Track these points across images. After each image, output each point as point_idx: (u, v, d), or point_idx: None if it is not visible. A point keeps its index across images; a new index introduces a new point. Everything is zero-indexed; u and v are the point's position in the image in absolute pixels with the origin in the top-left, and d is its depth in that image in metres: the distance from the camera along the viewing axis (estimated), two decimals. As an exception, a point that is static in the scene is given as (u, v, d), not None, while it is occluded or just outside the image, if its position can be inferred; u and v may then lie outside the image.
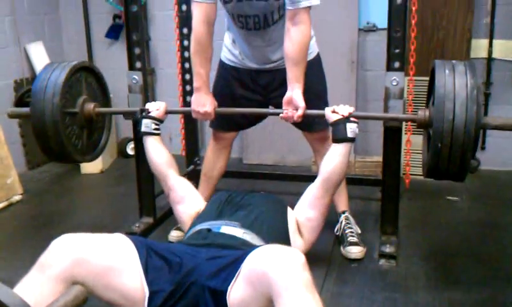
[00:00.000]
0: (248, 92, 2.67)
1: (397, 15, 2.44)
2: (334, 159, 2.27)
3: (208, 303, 1.72)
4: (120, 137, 4.55)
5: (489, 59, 3.69)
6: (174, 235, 2.76)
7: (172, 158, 2.52)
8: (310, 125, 2.58)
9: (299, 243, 2.26)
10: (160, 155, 2.49)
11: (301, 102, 2.35)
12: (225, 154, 2.88)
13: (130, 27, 2.76)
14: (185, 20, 3.36)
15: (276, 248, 1.64)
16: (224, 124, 2.76)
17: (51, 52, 4.29)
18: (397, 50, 2.46)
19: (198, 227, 2.13)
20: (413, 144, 3.25)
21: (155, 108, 2.55)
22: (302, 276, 1.51)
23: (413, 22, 2.92)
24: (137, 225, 2.85)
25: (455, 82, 2.05)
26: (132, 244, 1.83)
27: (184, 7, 3.34)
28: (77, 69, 2.60)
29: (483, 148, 3.85)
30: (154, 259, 1.82)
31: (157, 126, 2.53)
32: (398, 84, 2.44)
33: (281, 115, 2.41)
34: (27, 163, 4.14)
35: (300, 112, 2.35)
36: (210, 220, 2.13)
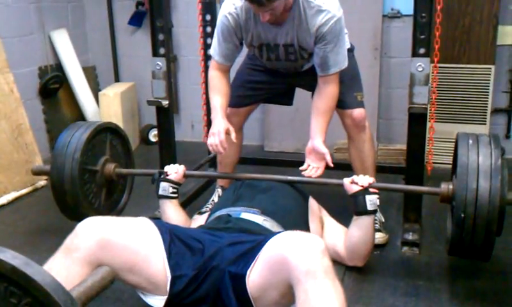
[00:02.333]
0: (274, 76, 2.69)
1: (423, 0, 2.40)
2: (356, 232, 2.23)
3: (228, 287, 1.74)
4: (143, 124, 4.58)
5: (516, 46, 3.63)
6: (196, 217, 2.77)
7: (187, 218, 2.45)
8: (343, 101, 2.56)
9: (318, 232, 2.27)
10: (175, 220, 2.38)
11: (323, 149, 2.39)
12: (237, 139, 2.84)
13: (154, 13, 2.76)
14: (208, 6, 3.36)
15: (297, 234, 1.65)
16: (239, 99, 2.73)
17: (75, 39, 4.33)
18: (423, 36, 2.42)
19: (218, 213, 2.15)
20: (436, 131, 3.22)
21: (174, 171, 2.45)
22: (322, 262, 1.52)
23: (439, 7, 2.88)
24: (159, 210, 2.86)
25: (478, 159, 1.96)
26: (156, 228, 1.86)
27: (207, -6, 3.33)
28: (103, 129, 2.62)
29: (508, 137, 3.79)
30: (177, 244, 1.84)
31: (174, 190, 2.42)
32: (423, 70, 2.42)
33: (304, 173, 2.44)
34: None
35: (328, 157, 2.38)
36: (228, 207, 2.15)
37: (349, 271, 2.33)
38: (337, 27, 2.29)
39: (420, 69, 2.41)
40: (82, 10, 4.59)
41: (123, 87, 4.36)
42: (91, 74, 4.58)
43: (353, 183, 2.22)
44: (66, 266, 1.70)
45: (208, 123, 3.56)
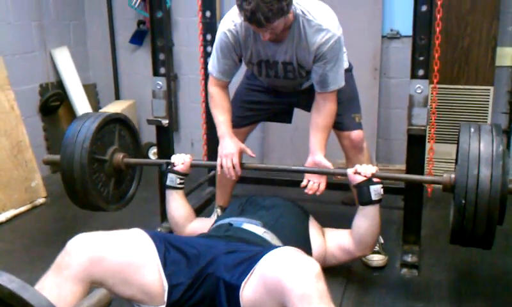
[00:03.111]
0: (273, 96, 2.71)
1: (422, 22, 2.42)
2: (363, 222, 2.27)
3: (221, 295, 1.74)
4: (143, 142, 4.58)
5: (515, 68, 3.65)
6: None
7: (191, 211, 2.55)
8: (341, 123, 2.58)
9: (320, 242, 2.30)
10: (180, 210, 2.52)
11: (326, 162, 2.39)
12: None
13: (155, 32, 2.78)
14: (209, 26, 3.38)
15: (293, 254, 1.64)
16: (237, 120, 2.71)
17: (76, 57, 4.36)
18: (422, 58, 2.44)
19: (220, 222, 2.17)
20: (436, 152, 3.22)
21: (180, 161, 2.52)
22: (317, 286, 1.52)
23: (438, 29, 2.89)
24: (158, 229, 2.87)
25: (480, 147, 1.96)
26: (150, 238, 1.85)
27: (208, 14, 3.35)
28: (112, 119, 2.65)
29: (508, 147, 3.79)
30: (172, 253, 1.83)
31: (181, 181, 2.52)
32: (422, 92, 2.43)
33: (306, 191, 2.42)
34: (51, 166, 4.19)
35: (324, 181, 2.40)
36: (232, 217, 2.16)
37: (348, 293, 2.32)
38: (337, 46, 2.30)
39: (419, 91, 2.43)
40: (84, 28, 4.62)
41: (123, 105, 4.37)
42: (91, 91, 4.60)
43: (356, 174, 2.24)
44: (58, 284, 1.69)
45: (208, 142, 3.57)
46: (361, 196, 2.23)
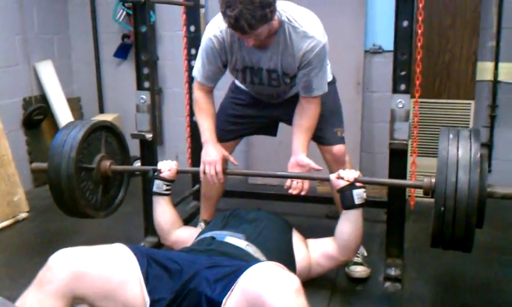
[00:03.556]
0: (258, 109, 2.72)
1: (403, 37, 2.45)
2: (346, 227, 2.29)
3: None
4: (127, 156, 4.57)
5: (495, 82, 3.71)
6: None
7: (177, 216, 2.59)
8: (323, 138, 2.60)
9: (304, 254, 2.31)
10: (166, 217, 2.56)
11: (307, 160, 2.41)
12: None
13: (139, 47, 2.78)
14: (193, 40, 3.39)
15: (273, 270, 1.65)
16: (221, 134, 2.69)
17: (60, 71, 4.35)
18: (403, 73, 2.47)
19: (202, 236, 2.17)
20: (418, 166, 3.25)
21: (167, 168, 2.56)
22: (297, 302, 1.54)
23: (419, 44, 2.94)
24: (142, 244, 2.86)
25: (458, 153, 2.00)
26: (132, 253, 1.84)
27: (192, 28, 3.37)
28: (98, 127, 2.66)
29: (489, 171, 3.84)
30: (154, 268, 1.83)
31: (167, 187, 2.56)
32: (404, 107, 2.45)
33: (290, 191, 2.42)
34: (34, 180, 4.16)
35: (314, 165, 2.40)
36: (215, 230, 2.17)
37: (331, 306, 2.32)
38: (322, 53, 2.32)
39: (400, 105, 2.45)
40: (68, 42, 4.61)
41: (107, 118, 4.33)
42: (75, 105, 4.58)
43: (339, 179, 2.26)
44: (40, 300, 1.67)
45: (193, 155, 3.57)
46: (344, 200, 2.26)
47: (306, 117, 2.45)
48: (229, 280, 1.70)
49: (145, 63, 2.79)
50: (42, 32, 4.26)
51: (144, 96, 2.80)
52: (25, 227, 3.41)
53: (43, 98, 4.22)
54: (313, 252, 2.36)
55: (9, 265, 2.84)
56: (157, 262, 1.84)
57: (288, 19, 2.28)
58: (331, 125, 2.58)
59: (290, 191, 2.41)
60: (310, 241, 2.40)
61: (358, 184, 2.25)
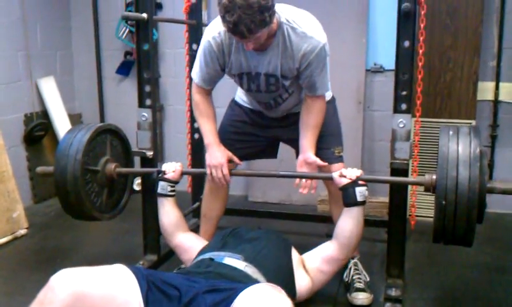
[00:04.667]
0: (258, 129, 2.71)
1: (404, 57, 2.45)
2: (348, 224, 2.31)
3: None
4: (127, 172, 4.56)
5: (496, 102, 3.72)
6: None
7: (182, 219, 2.61)
8: (321, 157, 2.57)
9: (306, 281, 2.28)
10: (171, 218, 2.57)
11: (314, 157, 2.44)
12: (223, 193, 2.84)
13: (142, 64, 2.79)
14: (195, 58, 3.38)
15: (265, 292, 1.64)
16: None
17: (62, 87, 4.36)
18: (404, 93, 2.47)
19: (201, 257, 2.16)
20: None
21: (171, 170, 2.58)
22: None
23: (420, 64, 2.94)
24: (141, 262, 2.84)
25: (458, 149, 2.04)
26: (133, 275, 1.83)
27: (195, 46, 3.37)
28: (103, 130, 2.70)
29: (490, 191, 3.82)
30: (154, 292, 1.82)
31: (172, 189, 2.58)
32: (405, 126, 2.45)
33: (300, 190, 2.47)
34: (34, 196, 4.15)
35: (320, 162, 2.45)
36: (214, 251, 2.16)
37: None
38: (323, 53, 2.31)
39: (401, 125, 2.45)
40: (71, 58, 4.64)
41: (108, 135, 4.35)
42: (77, 121, 4.59)
43: (342, 177, 2.30)
44: (40, 321, 1.66)
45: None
46: (346, 197, 2.30)
47: (312, 114, 2.45)
48: (225, 304, 1.70)
49: (147, 81, 2.80)
50: (45, 48, 4.28)
51: (145, 114, 2.80)
52: (24, 244, 3.40)
53: (44, 114, 4.22)
54: (313, 262, 2.35)
55: (7, 282, 2.82)
56: (156, 286, 1.83)
57: (287, 20, 2.27)
58: (330, 144, 2.57)
59: (300, 190, 2.46)
60: (306, 255, 2.39)
61: (360, 182, 2.29)
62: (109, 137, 2.75)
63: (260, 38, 2.16)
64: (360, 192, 2.28)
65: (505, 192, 2.09)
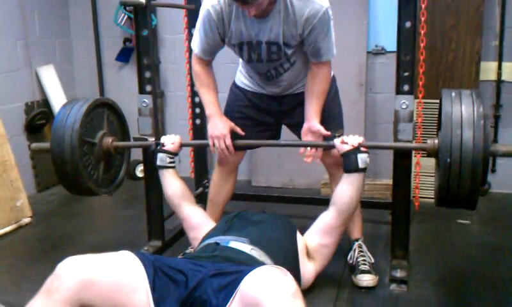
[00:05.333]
0: (261, 114, 2.69)
1: (406, 38, 2.44)
2: (348, 190, 2.31)
3: None
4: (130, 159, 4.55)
5: (499, 82, 3.69)
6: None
7: (187, 189, 2.58)
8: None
9: (309, 266, 2.28)
10: (174, 188, 2.56)
11: (318, 126, 2.43)
12: (232, 179, 2.85)
13: (141, 51, 2.77)
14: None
15: (270, 274, 1.64)
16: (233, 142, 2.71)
17: (62, 75, 4.34)
18: (406, 74, 2.45)
19: (207, 241, 2.16)
20: (422, 166, 3.23)
21: (170, 142, 2.59)
22: (294, 305, 1.53)
23: (422, 45, 2.93)
24: (145, 248, 2.84)
25: (462, 109, 2.07)
26: (139, 261, 1.83)
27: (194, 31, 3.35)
28: (100, 103, 2.71)
29: (493, 171, 3.82)
30: (161, 277, 1.82)
31: (171, 160, 2.58)
32: (407, 108, 2.44)
33: (305, 159, 2.48)
34: (37, 185, 4.15)
35: (323, 131, 2.43)
36: (219, 235, 2.16)
37: (336, 309, 2.31)
38: (326, 18, 2.28)
39: (404, 106, 2.44)
40: (70, 46, 4.61)
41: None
42: (78, 109, 4.57)
43: (344, 143, 2.32)
44: (47, 308, 1.67)
45: (195, 158, 3.57)
46: (348, 163, 2.31)
47: (317, 81, 2.43)
48: (231, 288, 1.70)
49: (147, 67, 2.78)
50: (44, 36, 4.26)
51: (146, 100, 2.79)
52: (28, 232, 3.41)
53: (45, 102, 4.21)
54: (314, 238, 2.33)
55: (12, 271, 2.83)
56: (162, 271, 1.83)
57: None
58: (330, 127, 2.51)
59: (304, 159, 2.47)
60: (306, 234, 2.37)
61: (362, 149, 2.31)
62: (106, 112, 2.76)
63: (262, 3, 2.14)
64: (362, 158, 2.29)
65: (507, 153, 2.13)
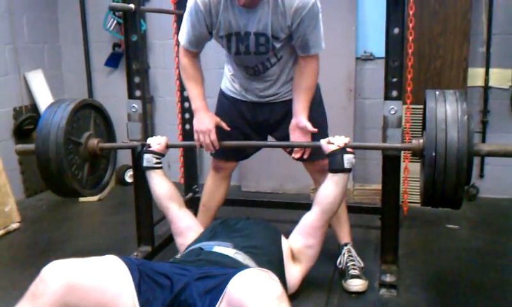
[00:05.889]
0: (246, 126, 2.67)
1: (394, 44, 2.45)
2: (332, 190, 2.31)
3: None
4: (118, 165, 4.54)
5: (486, 88, 3.73)
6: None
7: (175, 190, 2.58)
8: (310, 155, 2.58)
9: (294, 271, 2.29)
10: (161, 188, 2.56)
11: (306, 123, 2.44)
12: (225, 184, 2.86)
13: (130, 56, 2.77)
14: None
15: (255, 277, 1.65)
16: (227, 153, 2.72)
17: (51, 80, 4.33)
18: (395, 79, 2.47)
19: (191, 247, 2.16)
20: (411, 171, 3.25)
21: (156, 142, 2.59)
22: None
23: (410, 51, 2.95)
24: (135, 254, 2.82)
25: (446, 109, 2.10)
26: (125, 265, 1.82)
27: (184, 37, 3.35)
28: (87, 104, 2.73)
29: (481, 176, 3.85)
30: (146, 281, 1.82)
31: (158, 161, 2.58)
32: (396, 113, 2.45)
33: (293, 155, 2.50)
34: (25, 190, 4.13)
35: (310, 128, 2.44)
36: (203, 241, 2.16)
37: (326, 314, 2.31)
38: (315, 10, 2.28)
39: (392, 112, 2.45)
40: (59, 51, 4.60)
41: (99, 127, 4.33)
42: (66, 115, 4.55)
43: (330, 144, 2.34)
44: (32, 313, 1.65)
45: (185, 164, 3.56)
46: (333, 163, 2.32)
47: (305, 76, 2.43)
48: (217, 291, 1.70)
49: (136, 72, 2.78)
50: (32, 41, 4.25)
51: (135, 105, 2.78)
52: (16, 238, 3.38)
53: (33, 107, 4.19)
54: (298, 241, 2.33)
55: (0, 276, 2.80)
56: (148, 276, 1.83)
57: None
58: (315, 138, 2.50)
59: (292, 155, 2.50)
60: (290, 238, 2.37)
61: (348, 150, 2.32)
62: (93, 114, 2.77)
63: None
64: (348, 159, 2.30)
65: (490, 153, 2.16)
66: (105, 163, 2.88)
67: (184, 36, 2.45)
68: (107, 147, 2.79)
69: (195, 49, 2.48)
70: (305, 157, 2.51)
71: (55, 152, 2.48)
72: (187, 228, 2.47)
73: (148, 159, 2.57)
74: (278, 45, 2.37)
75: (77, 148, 2.63)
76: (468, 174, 2.07)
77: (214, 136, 2.48)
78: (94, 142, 2.69)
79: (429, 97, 2.19)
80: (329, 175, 2.33)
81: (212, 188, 2.86)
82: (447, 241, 3.15)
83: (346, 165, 2.30)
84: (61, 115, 2.52)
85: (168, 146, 2.63)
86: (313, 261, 2.35)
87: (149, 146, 2.59)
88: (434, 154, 2.04)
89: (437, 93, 2.19)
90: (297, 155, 2.50)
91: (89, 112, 2.74)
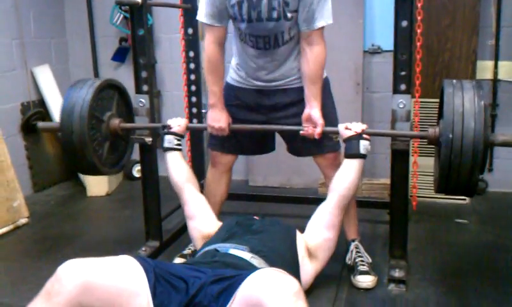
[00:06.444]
0: (252, 113, 2.66)
1: (402, 38, 2.44)
2: (348, 175, 2.34)
3: None
4: (126, 160, 4.55)
5: (495, 81, 3.70)
6: (178, 261, 2.71)
7: (192, 174, 2.63)
8: (321, 147, 2.57)
9: (308, 267, 2.28)
10: (179, 169, 2.59)
11: (319, 119, 2.42)
12: (226, 179, 2.84)
13: (137, 50, 2.76)
14: (191, 43, 3.37)
15: (272, 274, 1.64)
16: (225, 144, 2.70)
17: (58, 75, 4.32)
18: (403, 73, 2.46)
19: (207, 248, 2.15)
20: (419, 166, 3.23)
21: (177, 124, 2.63)
22: (296, 305, 1.53)
23: (419, 44, 2.92)
24: (143, 249, 2.83)
25: (463, 98, 2.11)
26: (141, 266, 1.82)
27: (190, 31, 3.35)
28: (113, 85, 2.78)
29: (490, 170, 3.83)
30: (162, 283, 1.81)
31: (178, 142, 2.63)
32: (405, 107, 2.44)
33: (301, 132, 2.48)
34: (34, 185, 4.14)
35: (319, 129, 2.42)
36: (219, 242, 2.15)
37: (335, 309, 2.31)
38: None
39: (401, 105, 2.44)
40: (66, 46, 4.60)
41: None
42: (74, 109, 4.56)
43: (347, 129, 2.38)
44: (47, 312, 1.66)
45: (193, 159, 3.55)
46: (350, 149, 2.36)
47: (311, 63, 2.41)
48: (231, 289, 1.70)
49: (143, 67, 2.77)
50: (39, 36, 4.24)
51: (143, 100, 2.78)
52: (25, 233, 3.39)
53: (41, 102, 4.20)
54: (316, 237, 2.32)
55: (10, 272, 2.81)
56: (163, 278, 1.82)
57: None
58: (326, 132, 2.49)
59: (301, 132, 2.47)
60: (307, 234, 2.36)
61: (365, 136, 2.36)
62: (117, 96, 2.80)
63: None
64: (364, 145, 2.34)
65: (505, 143, 2.17)
66: (124, 145, 2.89)
67: (203, 11, 2.43)
68: (128, 127, 2.79)
69: (218, 23, 2.43)
70: (317, 136, 2.43)
71: (79, 124, 2.52)
72: (200, 211, 2.49)
73: (169, 140, 2.60)
74: (289, 15, 2.33)
75: (100, 125, 2.66)
76: (483, 162, 2.09)
77: (224, 124, 2.54)
78: (116, 121, 2.72)
79: (447, 85, 2.20)
80: (345, 161, 2.36)
81: (213, 185, 2.84)
82: (456, 235, 3.13)
83: (362, 151, 2.34)
84: (86, 91, 2.56)
85: (188, 128, 2.69)
86: (330, 253, 2.34)
87: (170, 127, 2.62)
88: (451, 136, 2.06)
89: (454, 81, 2.21)
90: (304, 133, 2.45)
91: (113, 93, 2.77)
